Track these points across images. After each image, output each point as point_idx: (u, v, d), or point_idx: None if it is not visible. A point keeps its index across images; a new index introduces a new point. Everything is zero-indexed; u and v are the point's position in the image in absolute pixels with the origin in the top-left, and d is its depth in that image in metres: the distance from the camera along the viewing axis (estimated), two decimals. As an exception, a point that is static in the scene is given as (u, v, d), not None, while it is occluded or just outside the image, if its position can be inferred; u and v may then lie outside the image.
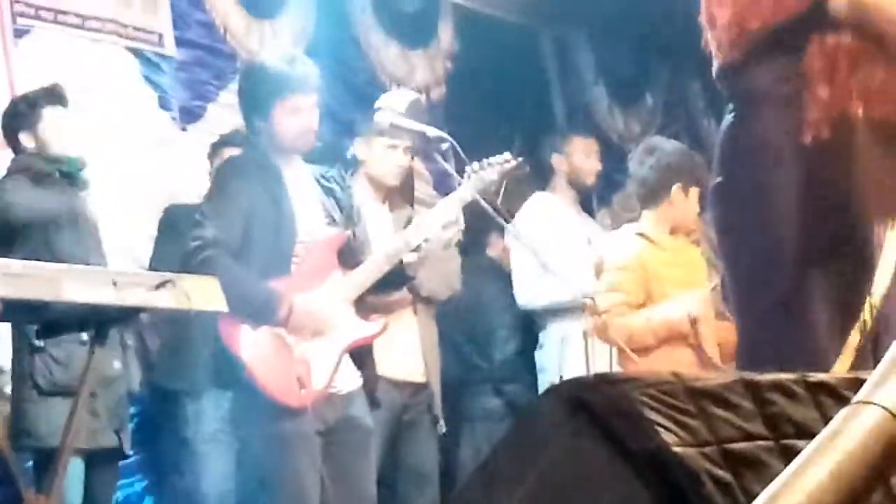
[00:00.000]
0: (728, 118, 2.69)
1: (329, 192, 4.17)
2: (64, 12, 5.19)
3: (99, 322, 3.55)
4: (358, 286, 4.11)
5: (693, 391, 1.44)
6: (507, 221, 4.44)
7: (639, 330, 4.57)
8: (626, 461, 1.35)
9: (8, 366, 4.30)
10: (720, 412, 1.43)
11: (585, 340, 4.26)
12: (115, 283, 3.29)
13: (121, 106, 5.33)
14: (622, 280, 4.68)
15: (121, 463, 4.55)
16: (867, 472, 1.22)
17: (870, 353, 2.45)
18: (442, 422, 4.87)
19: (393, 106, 4.53)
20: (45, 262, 3.55)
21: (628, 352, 4.39)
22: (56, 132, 4.35)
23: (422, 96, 5.87)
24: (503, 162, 4.36)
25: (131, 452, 4.56)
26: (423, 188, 6.37)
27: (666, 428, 1.37)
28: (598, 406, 1.40)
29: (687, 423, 1.39)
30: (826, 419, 1.34)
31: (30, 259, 3.56)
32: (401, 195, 4.96)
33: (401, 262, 4.18)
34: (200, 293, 3.47)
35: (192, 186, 5.17)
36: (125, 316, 3.62)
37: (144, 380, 4.83)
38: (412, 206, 5.17)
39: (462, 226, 4.41)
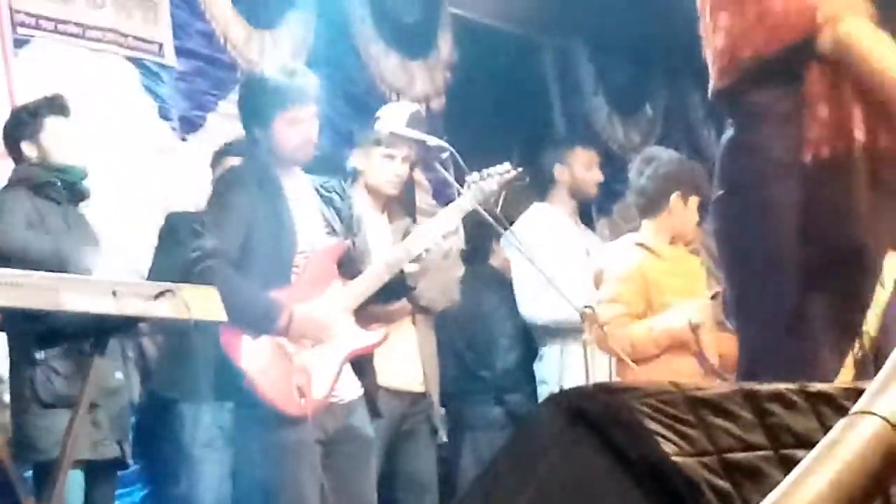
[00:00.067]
0: (728, 132, 2.70)
1: (329, 202, 4.18)
2: (64, 22, 5.19)
3: (98, 332, 3.55)
4: (358, 296, 4.11)
5: (692, 401, 1.44)
6: (505, 229, 4.45)
7: (640, 339, 4.57)
8: (625, 471, 1.35)
9: (6, 375, 4.29)
10: (720, 422, 1.44)
11: (585, 350, 4.25)
12: (114, 293, 3.29)
13: (120, 115, 5.33)
14: (622, 291, 4.68)
15: (120, 472, 4.55)
16: (866, 482, 1.22)
17: (871, 366, 2.45)
18: (441, 431, 4.87)
19: (393, 118, 4.55)
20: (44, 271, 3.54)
21: (628, 362, 4.39)
22: (58, 142, 4.35)
23: (422, 108, 5.87)
24: (503, 172, 4.37)
25: (131, 461, 4.55)
26: (422, 198, 6.39)
27: (665, 437, 1.37)
28: (597, 415, 1.40)
29: (686, 432, 1.39)
30: (825, 429, 1.35)
31: (28, 269, 3.55)
32: (401, 206, 4.96)
33: (401, 271, 4.19)
34: (200, 303, 3.47)
35: (192, 196, 5.17)
36: (124, 326, 3.62)
37: (144, 389, 4.83)
38: (414, 218, 5.17)
39: (462, 236, 4.41)
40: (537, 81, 7.77)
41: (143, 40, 5.53)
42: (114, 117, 5.28)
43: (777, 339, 2.58)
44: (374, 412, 4.18)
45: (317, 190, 4.17)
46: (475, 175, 4.33)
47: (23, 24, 5.04)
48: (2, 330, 3.82)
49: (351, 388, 4.09)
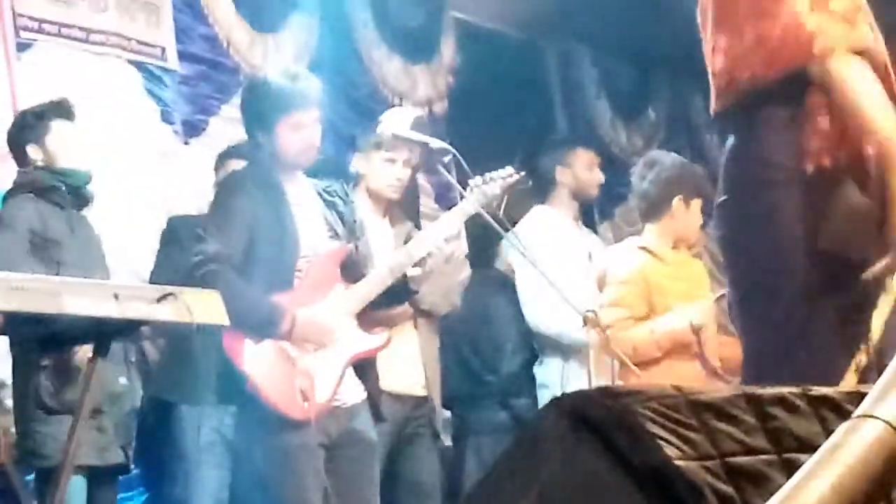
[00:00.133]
0: (731, 138, 2.71)
1: (331, 206, 4.18)
2: (67, 26, 5.20)
3: (100, 335, 3.54)
4: (361, 299, 4.11)
5: (695, 405, 1.44)
6: (507, 230, 4.44)
7: (643, 342, 4.58)
8: (628, 475, 1.35)
9: (9, 380, 4.29)
10: (722, 426, 1.43)
11: (587, 353, 4.26)
12: (116, 297, 3.28)
13: (123, 119, 5.33)
14: (625, 294, 4.68)
15: (121, 476, 4.55)
16: (868, 486, 1.22)
17: (875, 372, 2.45)
18: (444, 435, 4.86)
19: (396, 122, 4.55)
20: (47, 275, 3.55)
21: (631, 365, 4.39)
22: (63, 146, 4.35)
23: (424, 112, 5.87)
24: (506, 176, 4.37)
25: (133, 466, 4.55)
26: (425, 201, 6.39)
27: (668, 441, 1.37)
28: (599, 419, 1.40)
29: (689, 436, 1.39)
30: (828, 433, 1.34)
31: (32, 272, 3.56)
32: (403, 210, 4.96)
33: (404, 275, 4.19)
34: (202, 307, 3.46)
35: (195, 200, 5.17)
36: (126, 329, 3.61)
37: (145, 393, 4.83)
38: (417, 222, 5.16)
39: (464, 240, 4.41)
40: (540, 85, 7.77)
41: (146, 44, 5.53)
42: (116, 121, 5.29)
43: (781, 344, 2.59)
44: (377, 416, 4.18)
45: (319, 194, 4.17)
46: (478, 179, 4.33)
47: (26, 28, 5.05)
48: (4, 334, 3.82)
49: (354, 392, 4.08)
